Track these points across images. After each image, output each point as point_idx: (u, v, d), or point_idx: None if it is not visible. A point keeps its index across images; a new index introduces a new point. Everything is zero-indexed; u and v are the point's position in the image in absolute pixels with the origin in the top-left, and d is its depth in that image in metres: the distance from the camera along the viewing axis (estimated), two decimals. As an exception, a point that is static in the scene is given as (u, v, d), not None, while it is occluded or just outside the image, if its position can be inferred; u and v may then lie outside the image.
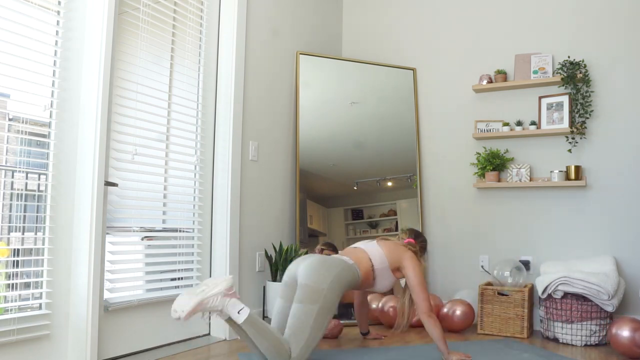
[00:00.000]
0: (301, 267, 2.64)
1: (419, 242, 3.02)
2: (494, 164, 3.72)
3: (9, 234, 2.29)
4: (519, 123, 3.72)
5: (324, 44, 4.24)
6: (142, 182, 2.85)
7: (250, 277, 3.38)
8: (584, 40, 3.63)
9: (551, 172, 3.57)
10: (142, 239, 2.92)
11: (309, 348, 2.49)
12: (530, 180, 3.66)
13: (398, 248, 2.91)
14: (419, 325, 3.55)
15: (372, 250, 2.87)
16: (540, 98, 3.69)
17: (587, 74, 3.52)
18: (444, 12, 4.12)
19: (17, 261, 2.31)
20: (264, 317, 3.38)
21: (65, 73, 2.50)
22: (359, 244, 2.96)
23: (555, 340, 3.22)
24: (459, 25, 4.06)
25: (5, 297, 2.26)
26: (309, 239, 3.69)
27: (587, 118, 3.54)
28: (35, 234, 2.39)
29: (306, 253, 3.46)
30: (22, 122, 2.33)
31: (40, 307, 2.40)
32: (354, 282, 2.72)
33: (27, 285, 2.36)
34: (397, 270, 2.87)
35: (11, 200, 2.29)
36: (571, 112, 3.56)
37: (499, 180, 3.74)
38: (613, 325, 2.91)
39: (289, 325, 2.52)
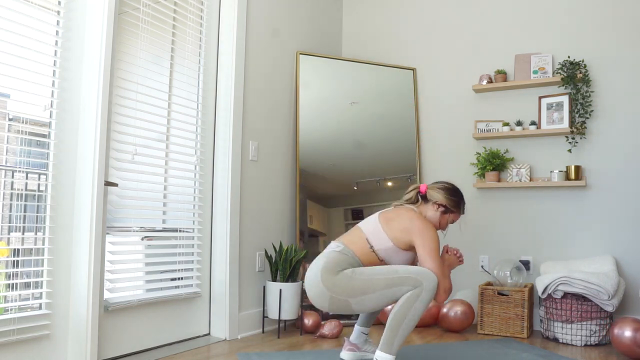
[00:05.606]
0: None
1: (445, 196, 2.56)
2: (494, 164, 3.72)
3: (9, 234, 2.29)
4: (519, 123, 3.72)
5: (323, 44, 4.24)
6: (142, 182, 2.85)
7: (250, 277, 3.38)
8: (584, 40, 3.63)
9: (551, 172, 3.57)
10: (142, 239, 2.93)
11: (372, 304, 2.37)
12: (530, 180, 3.66)
13: (402, 221, 2.46)
14: (419, 326, 3.54)
15: (369, 228, 2.49)
16: (540, 98, 3.69)
17: (587, 74, 3.52)
18: (444, 12, 4.12)
19: (17, 261, 2.31)
20: (264, 317, 3.38)
21: (65, 73, 2.50)
22: (361, 223, 2.58)
23: (555, 340, 3.22)
24: (459, 25, 4.06)
25: (5, 297, 2.26)
26: (309, 239, 3.69)
27: (587, 118, 3.54)
28: (35, 234, 2.39)
29: (306, 254, 3.46)
30: (22, 122, 2.33)
31: (40, 307, 2.40)
32: (351, 263, 2.44)
33: (27, 285, 2.36)
34: (412, 248, 2.47)
35: (11, 200, 2.29)
36: (571, 112, 3.56)
37: (499, 180, 3.74)
38: (615, 325, 2.91)
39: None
